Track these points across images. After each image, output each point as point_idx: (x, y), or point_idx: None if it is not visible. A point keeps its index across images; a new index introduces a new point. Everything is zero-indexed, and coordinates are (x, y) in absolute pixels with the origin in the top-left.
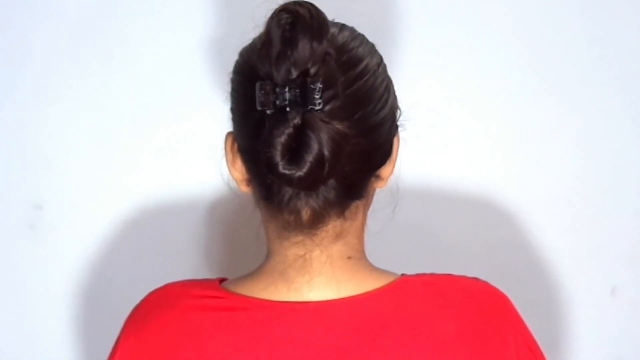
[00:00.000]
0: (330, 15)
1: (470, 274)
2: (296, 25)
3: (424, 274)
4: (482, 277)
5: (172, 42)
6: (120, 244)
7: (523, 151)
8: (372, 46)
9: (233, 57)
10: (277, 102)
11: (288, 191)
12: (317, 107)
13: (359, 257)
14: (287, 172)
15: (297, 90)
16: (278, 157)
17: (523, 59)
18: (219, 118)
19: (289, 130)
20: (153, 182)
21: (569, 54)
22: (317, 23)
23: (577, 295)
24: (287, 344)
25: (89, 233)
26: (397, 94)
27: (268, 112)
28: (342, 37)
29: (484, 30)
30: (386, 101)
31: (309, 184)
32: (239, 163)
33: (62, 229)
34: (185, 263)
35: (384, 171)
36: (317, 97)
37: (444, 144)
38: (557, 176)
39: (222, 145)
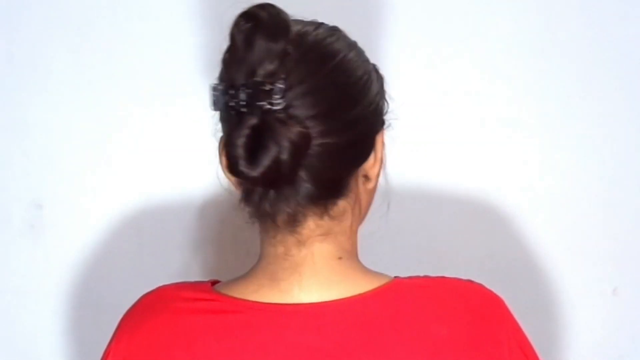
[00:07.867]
0: (326, 15)
1: (469, 276)
2: (255, 28)
3: (418, 277)
4: (482, 279)
5: (170, 43)
6: (120, 244)
7: (523, 152)
8: (353, 42)
9: None
10: (231, 104)
11: (258, 191)
12: (275, 107)
13: (350, 258)
14: (245, 171)
15: (251, 90)
16: (237, 158)
17: (522, 60)
18: (216, 118)
19: (246, 131)
20: (153, 182)
21: (569, 55)
22: (274, 23)
23: (579, 295)
24: (278, 347)
25: (88, 233)
26: (395, 94)
27: (230, 114)
28: (314, 35)
29: (484, 31)
30: (364, 97)
31: (267, 184)
32: None
33: (62, 229)
34: (184, 263)
35: (371, 170)
36: (276, 96)
37: (443, 145)
38: (558, 177)
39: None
